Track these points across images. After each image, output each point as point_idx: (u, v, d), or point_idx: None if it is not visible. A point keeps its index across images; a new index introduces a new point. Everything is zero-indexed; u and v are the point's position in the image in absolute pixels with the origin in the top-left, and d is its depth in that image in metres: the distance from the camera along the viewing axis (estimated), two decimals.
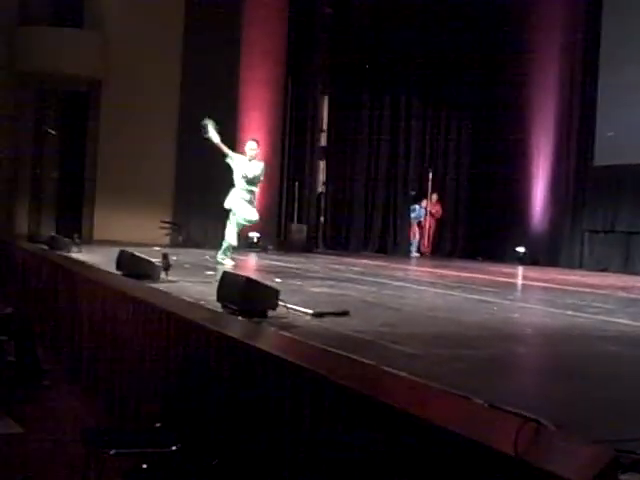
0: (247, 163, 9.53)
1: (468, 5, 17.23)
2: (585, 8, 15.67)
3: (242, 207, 9.50)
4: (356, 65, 17.16)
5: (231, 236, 9.61)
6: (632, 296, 8.59)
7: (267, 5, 15.84)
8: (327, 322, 4.67)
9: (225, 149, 9.66)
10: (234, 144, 15.39)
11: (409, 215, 17.65)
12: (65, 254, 9.69)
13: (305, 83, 16.95)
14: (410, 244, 17.55)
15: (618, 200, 14.63)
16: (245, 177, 9.46)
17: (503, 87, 16.89)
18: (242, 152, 9.82)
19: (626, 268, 14.24)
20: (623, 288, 9.71)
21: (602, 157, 15.04)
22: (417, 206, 17.54)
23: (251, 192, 9.60)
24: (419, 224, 17.53)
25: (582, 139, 15.58)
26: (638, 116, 14.02)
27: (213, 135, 9.49)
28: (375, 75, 17.42)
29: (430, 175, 17.17)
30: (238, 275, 5.11)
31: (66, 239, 10.45)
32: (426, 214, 17.33)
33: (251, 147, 9.68)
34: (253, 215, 9.59)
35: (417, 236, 17.49)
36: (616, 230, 14.76)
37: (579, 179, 15.62)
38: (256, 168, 9.52)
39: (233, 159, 9.61)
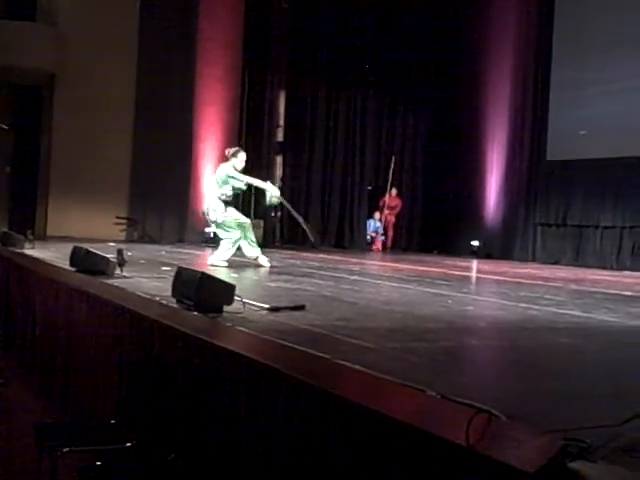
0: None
1: (425, 2, 17.37)
2: (538, 6, 15.90)
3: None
4: (313, 60, 17.17)
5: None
6: (583, 288, 8.75)
7: (223, 0, 15.77)
8: (283, 316, 4.68)
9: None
10: (190, 139, 15.40)
11: (365, 232, 17.67)
12: (18, 250, 9.54)
13: (262, 78, 16.91)
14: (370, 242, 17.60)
15: (569, 194, 14.91)
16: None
17: (458, 83, 17.07)
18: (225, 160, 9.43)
19: (577, 261, 14.52)
20: (574, 281, 9.89)
21: (554, 152, 15.29)
22: (372, 220, 17.63)
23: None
24: (383, 233, 17.56)
25: (535, 134, 15.83)
26: (589, 111, 14.27)
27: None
28: (332, 70, 17.44)
29: (392, 164, 17.29)
30: (193, 270, 5.09)
31: (19, 235, 10.27)
32: (382, 223, 17.44)
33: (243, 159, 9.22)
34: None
35: (380, 245, 17.46)
36: (567, 224, 15.04)
37: (531, 174, 15.87)
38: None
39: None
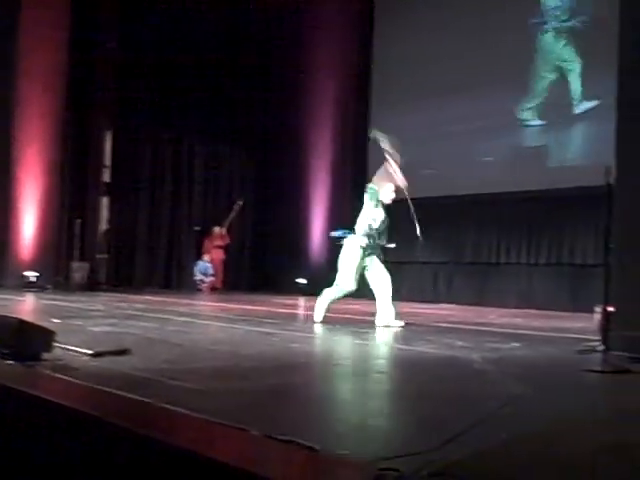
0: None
1: (253, 51, 17.78)
2: (359, 42, 16.73)
3: None
4: (139, 100, 16.94)
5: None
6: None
7: (44, 36, 15.14)
8: (106, 362, 4.58)
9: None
10: (8, 176, 14.70)
11: (194, 274, 17.53)
12: None
13: (88, 118, 16.52)
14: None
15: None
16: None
17: (281, 122, 17.53)
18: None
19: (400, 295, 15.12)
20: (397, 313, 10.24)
21: None
22: (200, 262, 17.55)
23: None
24: (213, 273, 17.51)
25: (358, 172, 16.38)
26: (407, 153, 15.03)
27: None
28: (158, 110, 17.29)
29: (237, 207, 17.60)
30: (9, 317, 4.88)
31: None
32: (210, 263, 17.45)
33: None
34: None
35: (209, 285, 17.36)
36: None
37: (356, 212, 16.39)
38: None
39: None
